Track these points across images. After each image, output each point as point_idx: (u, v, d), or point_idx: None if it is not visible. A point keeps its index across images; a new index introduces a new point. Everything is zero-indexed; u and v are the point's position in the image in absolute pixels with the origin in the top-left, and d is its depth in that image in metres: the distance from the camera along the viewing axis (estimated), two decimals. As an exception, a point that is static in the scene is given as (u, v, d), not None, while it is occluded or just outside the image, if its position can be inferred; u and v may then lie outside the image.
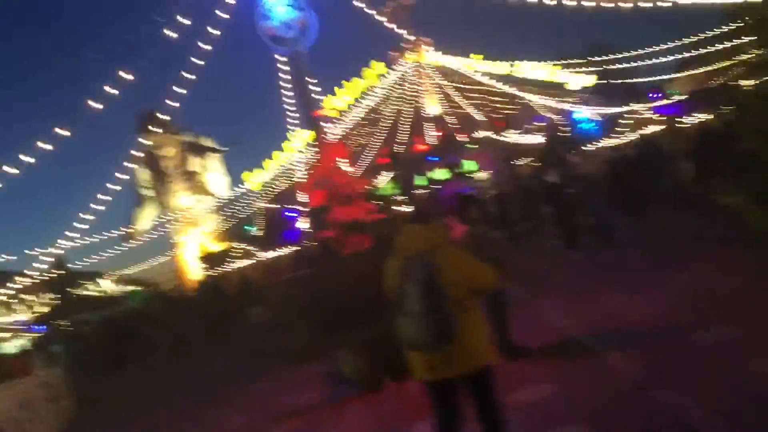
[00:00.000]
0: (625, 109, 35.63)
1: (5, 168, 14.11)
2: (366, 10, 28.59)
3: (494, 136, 31.25)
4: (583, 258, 11.00)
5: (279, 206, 34.22)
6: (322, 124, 9.44)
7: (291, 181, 34.48)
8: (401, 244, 3.64)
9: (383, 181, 31.09)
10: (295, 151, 27.37)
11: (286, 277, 9.39)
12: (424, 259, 3.43)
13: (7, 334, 28.98)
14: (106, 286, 39.26)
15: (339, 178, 8.55)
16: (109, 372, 14.88)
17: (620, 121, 35.87)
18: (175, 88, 21.04)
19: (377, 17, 29.95)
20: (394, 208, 19.58)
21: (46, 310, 28.20)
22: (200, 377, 12.52)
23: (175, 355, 15.28)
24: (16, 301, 29.36)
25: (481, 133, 31.64)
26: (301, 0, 10.65)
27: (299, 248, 16.85)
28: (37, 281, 24.79)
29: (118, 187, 21.70)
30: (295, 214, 24.14)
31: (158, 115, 40.05)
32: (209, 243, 37.36)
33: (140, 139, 39.42)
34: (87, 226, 20.19)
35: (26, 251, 20.72)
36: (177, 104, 22.07)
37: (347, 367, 8.62)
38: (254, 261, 25.33)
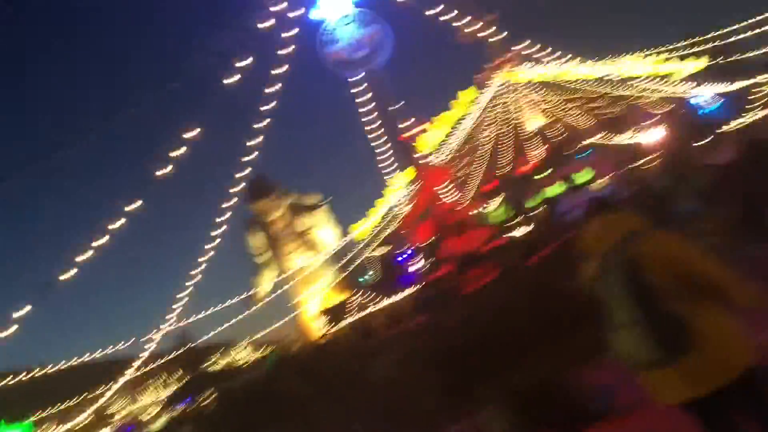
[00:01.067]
0: (750, 82, 32.15)
1: (78, 258, 13.97)
2: (452, 25, 26.89)
3: (606, 141, 28.89)
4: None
5: (388, 252, 33.43)
6: (415, 151, 8.30)
7: (397, 224, 33.71)
8: (590, 241, 2.88)
9: (492, 207, 29.54)
10: (396, 191, 26.48)
11: (406, 327, 8.20)
12: (624, 253, 2.64)
13: (152, 413, 29.71)
14: (243, 354, 39.95)
15: (445, 206, 7.35)
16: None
17: (749, 97, 32.36)
18: (249, 143, 20.20)
19: (462, 37, 28.60)
20: (511, 234, 18.08)
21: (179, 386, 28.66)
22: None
23: (303, 421, 14.47)
24: (152, 381, 30.13)
25: (590, 140, 29.37)
26: (366, 13, 9.52)
27: (415, 293, 15.87)
28: (166, 360, 25.16)
29: (205, 256, 20.77)
30: (404, 257, 23.09)
31: (263, 181, 41.30)
32: (328, 297, 37.13)
33: (250, 207, 40.58)
34: (181, 302, 19.40)
35: (151, 336, 20.63)
36: (251, 157, 20.92)
37: (498, 427, 7.27)
38: (373, 310, 24.45)
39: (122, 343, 18.33)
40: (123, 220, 14.58)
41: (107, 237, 14.11)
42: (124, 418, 27.82)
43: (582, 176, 28.51)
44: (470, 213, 7.47)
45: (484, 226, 8.53)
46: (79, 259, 13.52)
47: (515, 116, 33.55)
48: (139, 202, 14.58)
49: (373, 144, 17.34)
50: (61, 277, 12.84)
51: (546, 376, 6.77)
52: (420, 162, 7.96)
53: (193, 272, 17.05)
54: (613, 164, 27.20)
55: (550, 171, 28.76)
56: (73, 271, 13.40)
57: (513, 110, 33.53)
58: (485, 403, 7.04)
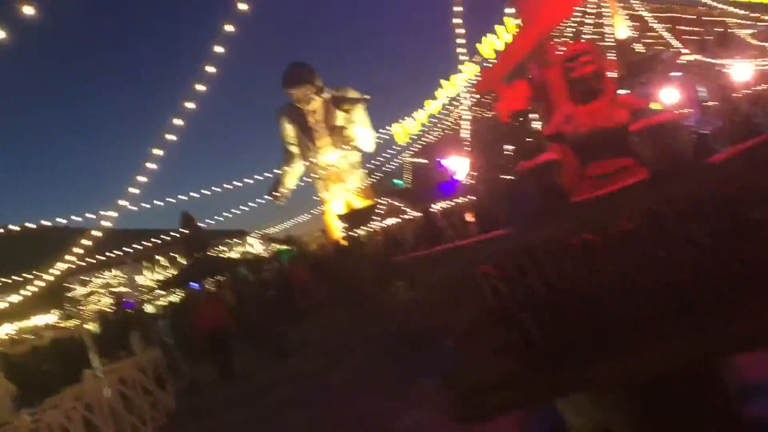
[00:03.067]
0: None
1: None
2: None
3: (705, 59, 24.59)
4: None
5: (429, 159, 30.42)
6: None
7: (446, 128, 30.31)
8: None
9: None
10: (460, 84, 22.47)
11: (461, 243, 5.23)
12: None
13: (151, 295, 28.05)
14: (254, 244, 38.23)
15: (566, 51, 4.18)
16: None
17: None
18: None
19: None
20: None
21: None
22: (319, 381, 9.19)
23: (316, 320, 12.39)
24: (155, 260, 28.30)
25: (686, 58, 25.06)
26: None
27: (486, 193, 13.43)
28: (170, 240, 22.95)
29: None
30: (450, 166, 20.03)
31: (302, 67, 38.06)
32: (354, 199, 34.75)
33: (286, 94, 37.62)
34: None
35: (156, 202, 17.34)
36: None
37: (582, 425, 4.49)
38: (403, 219, 21.75)
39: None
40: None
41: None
42: (115, 294, 26.15)
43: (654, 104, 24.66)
44: (607, 67, 4.70)
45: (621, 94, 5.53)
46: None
47: (595, 22, 28.99)
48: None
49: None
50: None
51: (689, 360, 3.92)
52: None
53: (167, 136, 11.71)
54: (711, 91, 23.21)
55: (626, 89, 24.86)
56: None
57: (592, 16, 29.01)
58: (578, 388, 4.25)
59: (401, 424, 6.08)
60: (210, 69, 11.08)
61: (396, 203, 23.84)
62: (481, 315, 4.06)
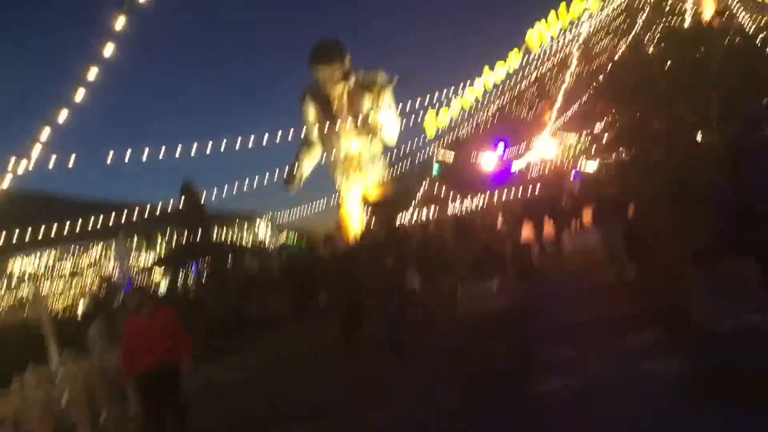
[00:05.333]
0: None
1: None
2: None
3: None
4: None
5: (466, 152, 27.39)
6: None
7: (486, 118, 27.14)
8: None
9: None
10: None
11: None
12: None
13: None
14: (262, 230, 35.34)
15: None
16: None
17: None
18: None
19: None
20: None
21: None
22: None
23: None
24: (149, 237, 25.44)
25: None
26: None
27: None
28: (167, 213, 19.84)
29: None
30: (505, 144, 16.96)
31: (333, 45, 35.01)
32: (373, 192, 31.74)
33: (311, 73, 34.55)
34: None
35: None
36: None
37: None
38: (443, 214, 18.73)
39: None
40: None
41: None
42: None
43: None
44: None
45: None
46: None
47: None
48: None
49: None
50: None
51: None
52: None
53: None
54: None
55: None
56: None
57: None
58: None
59: None
60: None
61: (436, 191, 20.77)
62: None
